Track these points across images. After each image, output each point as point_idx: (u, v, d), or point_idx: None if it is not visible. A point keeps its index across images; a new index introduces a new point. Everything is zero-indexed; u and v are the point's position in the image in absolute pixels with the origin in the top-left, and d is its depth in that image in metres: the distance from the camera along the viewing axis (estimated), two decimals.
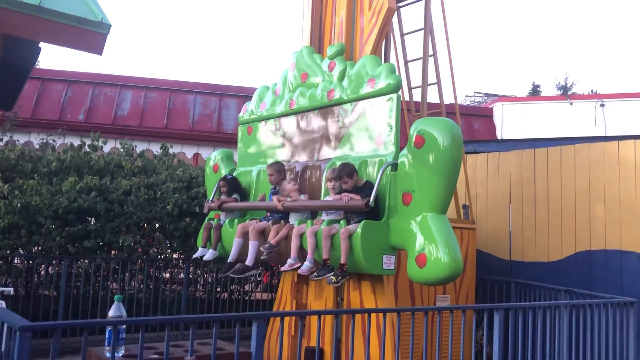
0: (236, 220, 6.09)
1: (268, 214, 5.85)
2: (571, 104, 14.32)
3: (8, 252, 7.36)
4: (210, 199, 6.54)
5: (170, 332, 2.64)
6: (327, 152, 5.77)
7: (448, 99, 7.90)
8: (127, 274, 7.72)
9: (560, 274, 6.75)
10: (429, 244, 4.34)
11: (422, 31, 7.07)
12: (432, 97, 7.18)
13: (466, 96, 24.50)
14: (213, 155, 7.05)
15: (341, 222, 4.89)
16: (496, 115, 14.35)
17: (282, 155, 6.28)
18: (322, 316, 4.79)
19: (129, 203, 7.83)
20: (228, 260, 5.70)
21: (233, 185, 6.41)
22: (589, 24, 60.86)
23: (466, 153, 7.65)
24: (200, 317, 3.20)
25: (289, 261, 5.06)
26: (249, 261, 5.45)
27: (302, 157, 6.03)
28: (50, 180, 7.85)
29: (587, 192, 6.66)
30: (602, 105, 13.84)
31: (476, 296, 6.81)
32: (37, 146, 9.52)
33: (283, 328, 3.41)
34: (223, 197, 6.35)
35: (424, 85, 7.00)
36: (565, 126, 13.58)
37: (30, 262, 7.60)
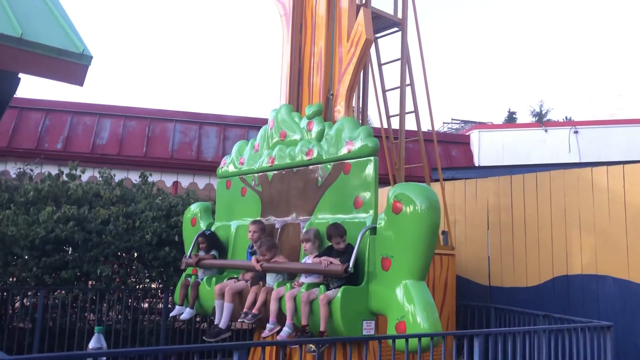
0: (214, 279, 6.09)
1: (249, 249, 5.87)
2: (546, 131, 14.63)
3: None
4: (188, 254, 6.53)
5: None
6: (305, 211, 5.81)
7: (426, 127, 8.04)
8: (105, 305, 7.60)
9: (538, 298, 6.83)
10: (409, 312, 4.35)
11: (399, 61, 7.23)
12: (410, 124, 7.31)
13: (444, 123, 24.86)
14: (192, 209, 7.05)
15: (320, 287, 4.89)
16: (473, 142, 14.59)
17: (261, 211, 6.31)
18: (303, 346, 4.76)
19: (108, 232, 7.75)
20: (218, 325, 5.60)
21: (212, 242, 6.42)
22: (563, 52, 62.43)
23: (444, 180, 7.76)
24: (180, 348, 3.17)
25: (269, 326, 5.02)
26: (222, 324, 5.41)
27: (281, 215, 6.06)
28: (27, 210, 7.75)
29: (562, 218, 6.79)
30: (576, 132, 14.17)
31: (456, 322, 6.84)
32: (14, 175, 9.41)
33: (264, 358, 3.40)
34: (201, 253, 6.36)
35: (402, 114, 7.12)
36: (540, 153, 13.86)
37: (5, 293, 7.45)
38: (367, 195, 5.20)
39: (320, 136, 5.81)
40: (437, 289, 6.49)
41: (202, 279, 6.23)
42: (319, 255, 5.09)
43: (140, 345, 7.47)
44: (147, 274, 8.18)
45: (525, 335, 4.75)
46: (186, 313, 6.16)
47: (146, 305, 8.22)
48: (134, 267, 8.13)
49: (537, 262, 6.96)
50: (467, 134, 15.23)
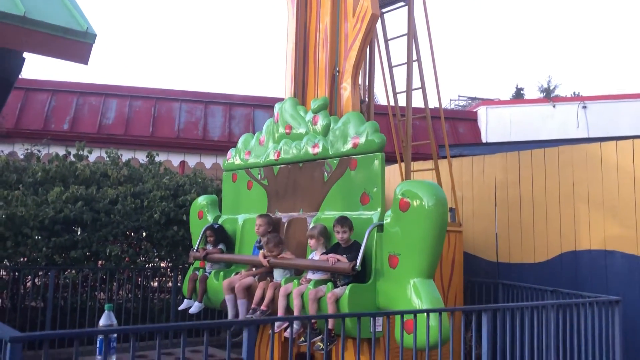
0: (222, 273, 6.12)
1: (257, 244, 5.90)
2: (554, 106, 14.50)
3: None
4: (196, 247, 6.56)
5: (161, 341, 2.64)
6: (312, 206, 5.78)
7: (433, 104, 7.98)
8: (115, 284, 7.67)
9: (546, 274, 6.83)
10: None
11: (406, 36, 7.14)
12: (417, 102, 7.26)
13: (450, 100, 24.71)
14: (199, 201, 7.06)
15: (328, 284, 4.88)
16: (480, 119, 14.49)
17: (267, 205, 6.29)
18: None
19: (116, 212, 7.79)
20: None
21: (220, 235, 6.43)
22: (571, 27, 61.61)
23: (452, 157, 7.72)
24: (190, 325, 3.21)
25: (277, 322, 5.05)
26: (242, 315, 5.42)
27: (287, 209, 6.04)
28: (35, 190, 7.79)
29: (571, 194, 6.76)
30: (584, 107, 14.03)
31: (464, 298, 6.86)
32: (22, 157, 9.44)
33: (273, 334, 3.43)
34: (209, 246, 6.38)
35: (409, 90, 7.06)
36: (548, 128, 13.75)
37: (17, 273, 7.53)
38: (373, 191, 5.16)
39: (326, 130, 5.74)
40: (445, 265, 6.49)
41: (209, 273, 6.27)
42: (326, 253, 5.10)
43: (150, 323, 7.55)
44: (156, 253, 8.24)
45: (533, 310, 4.76)
46: (195, 307, 6.20)
47: (156, 284, 8.29)
48: (142, 247, 8.18)
49: (545, 238, 6.95)
50: (474, 110, 15.12)
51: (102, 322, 2.64)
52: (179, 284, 7.86)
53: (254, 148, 6.60)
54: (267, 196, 6.31)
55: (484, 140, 13.82)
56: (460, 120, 14.51)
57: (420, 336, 3.96)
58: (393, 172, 8.26)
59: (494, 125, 14.17)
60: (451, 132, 13.51)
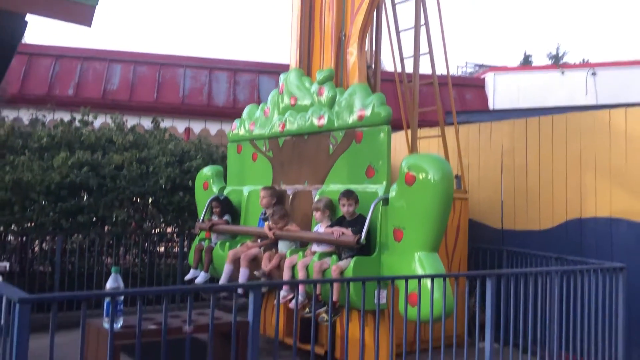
0: (227, 244, 6.14)
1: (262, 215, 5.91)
2: (563, 73, 14.30)
3: (1, 228, 7.35)
4: (201, 218, 6.58)
5: (168, 303, 2.67)
6: (317, 178, 5.74)
7: (440, 70, 7.88)
8: (121, 249, 7.74)
9: (551, 242, 6.83)
10: (420, 284, 4.32)
11: (414, 0, 7.00)
12: (424, 68, 7.16)
13: (458, 67, 24.42)
14: (204, 172, 7.06)
15: (333, 257, 4.89)
16: (488, 86, 14.33)
17: (272, 177, 6.26)
18: (318, 286, 4.84)
19: (122, 178, 7.81)
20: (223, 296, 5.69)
21: (225, 207, 6.46)
22: None
23: (458, 123, 7.66)
24: (197, 288, 3.24)
25: (282, 293, 5.07)
26: (241, 290, 5.50)
27: (292, 182, 6.02)
28: (41, 156, 7.81)
29: (578, 161, 6.71)
30: (594, 74, 13.83)
31: (468, 265, 6.89)
32: (27, 122, 9.44)
33: (279, 305, 3.46)
34: (215, 217, 6.41)
35: (416, 55, 6.96)
36: (556, 95, 13.59)
37: (24, 238, 7.60)
38: (379, 165, 5.12)
39: (332, 102, 5.67)
40: (450, 232, 6.50)
41: (215, 244, 6.32)
42: (331, 226, 5.10)
43: (157, 286, 7.64)
44: (162, 219, 8.29)
45: (538, 277, 4.78)
46: (201, 277, 6.27)
47: (162, 249, 8.37)
48: (149, 212, 8.23)
49: (551, 205, 6.93)
50: (481, 77, 14.95)
51: (109, 284, 2.67)
52: (185, 249, 7.92)
53: (258, 119, 6.55)
54: (272, 168, 6.30)
55: (491, 107, 13.70)
56: (467, 87, 14.36)
57: (424, 309, 3.99)
58: (399, 139, 8.21)
59: (502, 92, 14.02)
60: (458, 99, 13.38)
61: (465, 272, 6.48)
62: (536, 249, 6.71)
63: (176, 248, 8.23)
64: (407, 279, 3.83)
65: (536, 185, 7.10)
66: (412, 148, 6.97)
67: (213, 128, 12.19)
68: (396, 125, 8.64)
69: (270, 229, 5.49)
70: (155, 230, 8.31)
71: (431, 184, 4.48)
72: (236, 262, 5.67)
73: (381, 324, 4.85)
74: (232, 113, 11.89)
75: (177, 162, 8.31)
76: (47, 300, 2.62)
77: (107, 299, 2.64)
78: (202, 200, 6.91)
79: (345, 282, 3.75)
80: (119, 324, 2.70)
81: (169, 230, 8.56)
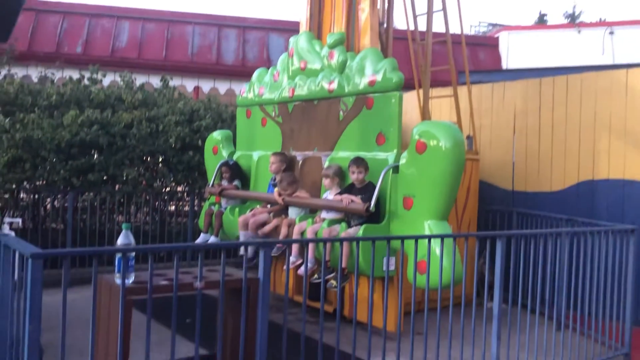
0: (237, 209, 6.15)
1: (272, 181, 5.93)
2: (579, 32, 13.97)
3: (14, 186, 7.41)
4: (211, 183, 6.59)
5: (179, 260, 2.68)
6: (327, 145, 5.67)
7: (453, 29, 7.71)
8: (132, 207, 7.80)
9: (562, 203, 6.79)
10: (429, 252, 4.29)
11: None
12: (437, 26, 7.01)
13: (471, 26, 23.93)
14: (214, 136, 7.01)
15: (342, 224, 4.86)
16: (502, 45, 14.05)
17: (281, 142, 6.20)
18: (327, 252, 4.86)
19: (132, 136, 7.81)
20: (249, 257, 5.70)
21: (235, 172, 6.45)
22: None
23: (471, 83, 7.54)
24: (208, 245, 3.25)
25: (291, 259, 5.06)
26: (250, 254, 5.47)
27: (302, 148, 5.96)
28: (51, 114, 7.80)
29: (592, 122, 6.61)
30: (611, 33, 13.50)
31: (478, 226, 6.89)
32: (36, 80, 9.40)
33: (288, 269, 3.48)
34: (224, 182, 6.41)
35: (430, 13, 6.79)
36: (572, 55, 13.31)
37: (36, 195, 7.66)
38: (390, 132, 5.05)
39: (342, 67, 5.56)
40: (460, 193, 6.45)
41: (225, 208, 6.35)
42: (340, 193, 5.08)
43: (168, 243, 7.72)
44: (172, 178, 8.32)
45: (548, 238, 4.77)
46: (211, 241, 6.30)
47: (173, 207, 8.43)
48: (159, 171, 8.26)
49: (563, 166, 6.86)
50: (495, 36, 14.65)
51: (120, 241, 2.68)
52: (195, 208, 7.98)
53: (268, 83, 6.46)
54: (281, 134, 6.25)
55: (504, 67, 13.46)
56: (480, 46, 14.09)
57: (433, 276, 3.99)
58: (410, 99, 8.11)
59: (516, 52, 13.75)
60: (471, 58, 13.15)
61: (475, 233, 6.48)
62: (547, 210, 6.68)
63: (187, 207, 8.29)
64: (416, 238, 3.82)
65: (549, 147, 7.02)
66: (424, 108, 6.88)
67: (222, 87, 12.10)
68: (408, 85, 8.51)
69: (279, 195, 5.49)
70: (165, 189, 8.35)
71: (442, 151, 4.43)
72: (248, 228, 5.71)
73: (390, 287, 4.88)
74: (241, 72, 11.78)
75: (187, 121, 8.28)
76: (58, 256, 2.64)
77: (118, 255, 2.66)
78: (212, 165, 6.91)
79: (355, 241, 3.74)
80: (130, 280, 2.72)
81: (179, 189, 8.61)
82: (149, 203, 7.88)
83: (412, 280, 3.78)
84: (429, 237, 3.95)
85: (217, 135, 7.00)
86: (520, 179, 7.32)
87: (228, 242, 6.11)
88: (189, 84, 11.97)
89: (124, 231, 2.71)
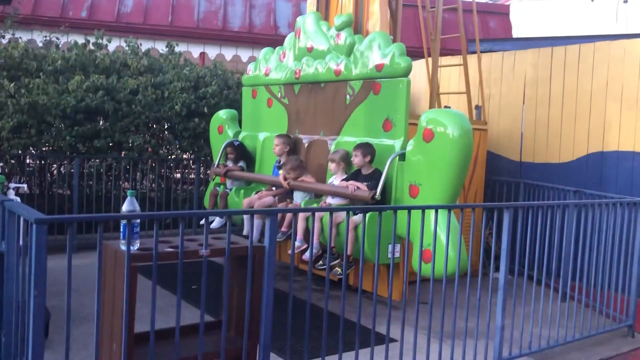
0: (242, 191, 6.13)
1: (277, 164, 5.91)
2: (592, 0, 13.69)
3: (20, 151, 7.40)
4: (216, 163, 6.56)
5: (184, 227, 2.67)
6: (333, 129, 5.60)
7: None
8: (138, 174, 7.80)
9: (570, 175, 6.74)
10: (435, 241, 4.23)
11: None
12: None
13: None
14: (220, 114, 6.95)
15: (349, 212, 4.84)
16: (513, 13, 13.80)
17: (287, 125, 6.13)
18: (332, 238, 4.85)
19: (137, 103, 7.76)
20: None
21: (240, 153, 6.40)
22: None
23: (481, 52, 7.41)
24: (214, 212, 3.24)
25: (296, 243, 5.05)
26: (255, 238, 5.46)
27: (308, 131, 5.89)
28: (56, 79, 7.74)
29: (603, 93, 6.50)
30: (625, 1, 13.21)
31: (485, 197, 6.86)
32: (40, 44, 9.30)
33: (294, 254, 3.48)
34: (229, 163, 6.36)
35: None
36: (585, 24, 13.06)
37: (42, 161, 7.66)
38: (397, 118, 4.98)
39: (350, 50, 5.46)
40: None
41: (230, 189, 6.35)
42: (346, 179, 5.03)
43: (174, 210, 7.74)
44: (177, 145, 8.29)
45: (555, 209, 4.73)
46: (216, 222, 6.31)
47: (178, 175, 8.42)
48: (164, 138, 8.23)
49: (572, 137, 6.79)
50: (506, 3, 14.37)
51: (125, 207, 2.66)
52: (201, 175, 7.97)
53: (274, 64, 6.38)
54: (287, 115, 6.19)
55: (515, 36, 13.24)
56: (491, 14, 13.82)
57: (436, 268, 3.98)
58: (420, 67, 7.99)
59: (527, 20, 13.51)
60: (481, 27, 12.92)
61: (481, 204, 6.45)
62: (555, 182, 6.63)
63: (192, 174, 8.28)
64: (423, 208, 3.79)
65: (558, 117, 6.93)
66: (433, 77, 6.78)
67: (228, 53, 11.96)
68: (417, 53, 8.38)
69: (285, 178, 5.46)
70: (171, 157, 8.34)
71: (450, 139, 4.38)
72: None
73: (395, 278, 4.87)
74: (247, 38, 11.63)
75: (192, 87, 8.21)
76: (62, 221, 2.63)
77: (123, 222, 2.65)
78: (217, 145, 6.90)
79: (363, 211, 3.71)
80: (135, 247, 2.72)
81: (185, 156, 8.59)
82: (155, 170, 7.87)
83: (417, 270, 3.75)
84: (436, 207, 3.92)
85: (222, 114, 6.96)
86: (528, 149, 7.26)
87: (234, 209, 6.11)
88: (195, 50, 11.84)
89: (128, 198, 2.69)
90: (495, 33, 13.13)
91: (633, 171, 6.21)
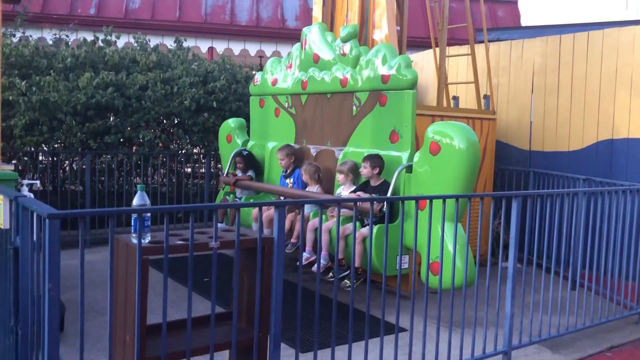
0: (251, 200, 6.23)
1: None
2: None
3: (32, 148, 7.49)
4: (225, 172, 6.63)
5: (194, 220, 2.71)
6: (340, 139, 5.63)
7: None
8: (149, 169, 7.87)
9: (580, 163, 6.71)
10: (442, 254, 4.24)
11: None
12: None
13: None
14: (229, 123, 6.99)
15: (357, 223, 4.85)
16: (522, 1, 13.69)
17: (295, 135, 6.18)
18: (340, 250, 4.88)
19: (146, 98, 7.82)
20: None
21: (249, 162, 6.48)
22: None
23: (489, 41, 7.38)
24: (224, 205, 3.28)
25: (305, 255, 5.10)
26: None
27: (315, 141, 5.93)
28: (66, 76, 7.82)
29: (612, 80, 6.46)
30: None
31: (494, 186, 6.85)
32: (51, 42, 9.38)
33: (302, 263, 3.52)
34: (238, 172, 6.43)
35: None
36: (595, 11, 12.93)
37: (54, 157, 7.75)
38: (403, 130, 4.99)
39: (356, 62, 5.47)
40: None
41: (240, 198, 6.43)
42: (354, 191, 5.05)
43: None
44: (188, 140, 8.36)
45: (564, 198, 4.72)
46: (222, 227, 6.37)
47: (189, 169, 8.49)
48: (174, 133, 8.29)
49: (582, 125, 6.75)
50: None
51: (135, 202, 2.70)
52: (211, 170, 8.03)
53: (280, 74, 6.41)
54: (294, 125, 6.23)
55: (523, 25, 13.14)
56: (499, 3, 13.73)
57: (444, 280, 3.99)
58: (427, 57, 7.98)
59: (535, 8, 13.39)
60: (489, 16, 12.84)
61: (491, 192, 6.45)
62: (564, 170, 6.61)
63: (202, 169, 8.34)
64: (432, 199, 3.80)
65: (567, 105, 6.90)
66: (440, 67, 6.77)
67: (236, 48, 11.99)
68: (424, 43, 8.37)
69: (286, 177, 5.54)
70: (181, 151, 8.40)
71: (456, 151, 4.39)
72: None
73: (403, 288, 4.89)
74: (255, 32, 11.65)
75: (201, 82, 8.26)
76: (74, 216, 2.68)
77: (134, 216, 2.69)
78: (226, 153, 6.96)
79: (370, 201, 3.73)
80: (146, 240, 2.76)
81: (195, 150, 8.65)
82: (166, 165, 7.94)
83: (425, 281, 3.77)
84: (444, 197, 3.93)
85: (231, 123, 7.03)
86: (537, 138, 7.23)
87: (241, 202, 6.15)
88: (203, 45, 11.88)
89: (139, 192, 2.73)
90: (503, 22, 13.05)
91: None
